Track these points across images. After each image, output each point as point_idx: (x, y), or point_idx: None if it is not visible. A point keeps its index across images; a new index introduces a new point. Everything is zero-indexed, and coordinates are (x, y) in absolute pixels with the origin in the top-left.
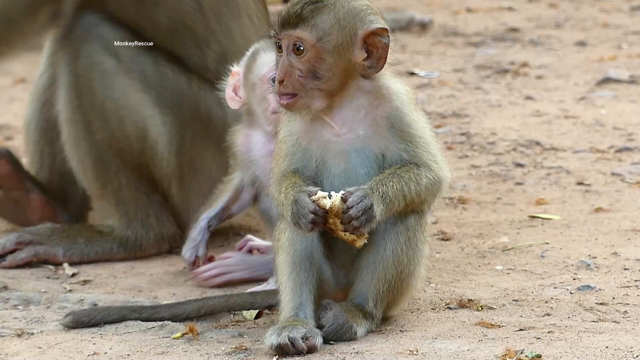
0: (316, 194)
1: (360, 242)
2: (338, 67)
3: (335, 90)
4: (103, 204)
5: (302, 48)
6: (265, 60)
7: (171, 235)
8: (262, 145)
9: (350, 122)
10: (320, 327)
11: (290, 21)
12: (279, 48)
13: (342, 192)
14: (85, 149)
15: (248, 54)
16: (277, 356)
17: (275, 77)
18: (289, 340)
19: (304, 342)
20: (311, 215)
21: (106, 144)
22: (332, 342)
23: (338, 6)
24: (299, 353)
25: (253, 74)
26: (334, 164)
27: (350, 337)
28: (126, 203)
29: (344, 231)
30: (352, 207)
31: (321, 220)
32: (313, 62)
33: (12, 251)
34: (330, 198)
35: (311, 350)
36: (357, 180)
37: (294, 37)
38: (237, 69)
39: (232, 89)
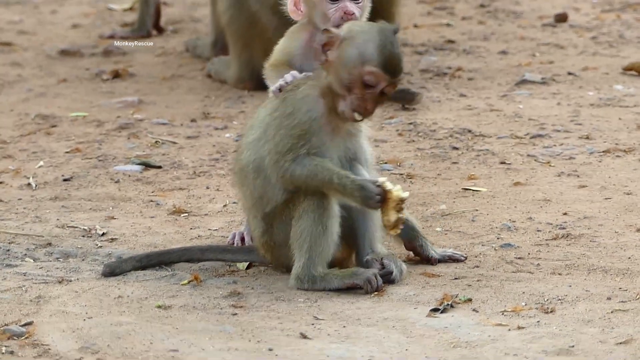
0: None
1: (394, 232)
2: None
3: None
4: None
5: None
6: None
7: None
8: None
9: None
10: (389, 272)
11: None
12: None
13: (398, 187)
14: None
15: None
16: (372, 293)
17: None
18: (374, 276)
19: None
20: (379, 197)
21: None
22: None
23: None
24: (378, 288)
25: None
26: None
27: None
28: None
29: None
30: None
31: (383, 199)
32: None
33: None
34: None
35: (380, 288)
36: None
37: None
38: None
39: (293, 3)
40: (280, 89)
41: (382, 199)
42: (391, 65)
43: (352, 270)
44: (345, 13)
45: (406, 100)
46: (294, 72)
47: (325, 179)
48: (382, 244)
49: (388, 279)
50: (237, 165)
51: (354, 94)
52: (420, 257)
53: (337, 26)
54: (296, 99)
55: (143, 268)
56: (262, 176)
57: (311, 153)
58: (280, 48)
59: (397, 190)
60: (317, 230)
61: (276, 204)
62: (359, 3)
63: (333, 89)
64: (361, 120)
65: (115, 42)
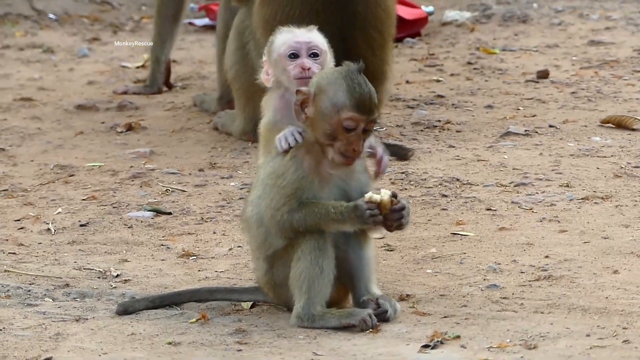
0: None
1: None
2: None
3: None
4: None
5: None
6: (281, 42)
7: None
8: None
9: None
10: (384, 311)
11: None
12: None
13: (385, 191)
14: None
15: (269, 42)
16: (368, 330)
17: (291, 53)
18: (369, 316)
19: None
20: (375, 211)
21: None
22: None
23: None
24: (372, 327)
25: (274, 53)
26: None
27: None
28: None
29: (388, 224)
30: (404, 208)
31: (378, 212)
32: None
33: None
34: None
35: (374, 327)
36: None
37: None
38: (264, 58)
39: (265, 72)
40: (286, 150)
41: (379, 211)
42: (364, 105)
43: (349, 311)
44: (302, 69)
45: (400, 156)
46: (291, 129)
47: (323, 212)
48: (377, 285)
49: (383, 317)
50: (243, 215)
51: (339, 141)
52: None
53: (299, 79)
54: (286, 161)
55: (155, 308)
56: (263, 226)
57: (304, 201)
58: (263, 123)
59: (385, 195)
60: (314, 272)
61: (276, 248)
62: (317, 59)
63: (319, 141)
64: (352, 162)
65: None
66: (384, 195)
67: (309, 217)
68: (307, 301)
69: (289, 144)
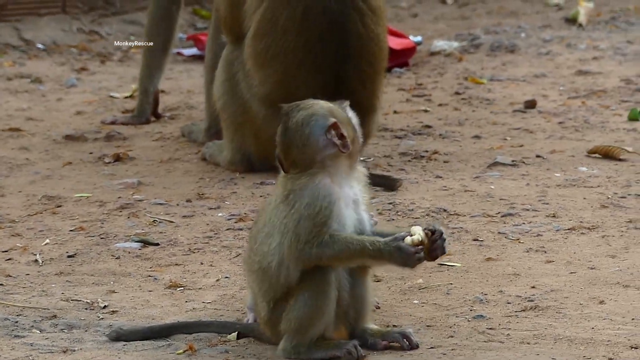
0: (404, 238)
1: None
2: None
3: None
4: None
5: None
6: None
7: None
8: None
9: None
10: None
11: None
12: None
13: (418, 227)
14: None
15: None
16: None
17: None
18: (354, 347)
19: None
20: (421, 254)
21: None
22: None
23: None
24: (357, 358)
25: None
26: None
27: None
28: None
29: (433, 256)
30: (442, 233)
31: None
32: None
33: None
34: (413, 235)
35: (360, 358)
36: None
37: None
38: None
39: None
40: None
41: (424, 253)
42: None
43: (335, 342)
44: None
45: (387, 186)
46: None
47: (358, 249)
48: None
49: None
50: (255, 266)
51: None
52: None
53: None
54: (307, 189)
55: (147, 339)
56: (283, 270)
57: (334, 233)
58: None
59: (421, 233)
60: (309, 310)
61: (287, 289)
62: None
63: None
64: None
65: (116, 127)
66: (420, 232)
67: (341, 254)
68: (295, 334)
69: None
